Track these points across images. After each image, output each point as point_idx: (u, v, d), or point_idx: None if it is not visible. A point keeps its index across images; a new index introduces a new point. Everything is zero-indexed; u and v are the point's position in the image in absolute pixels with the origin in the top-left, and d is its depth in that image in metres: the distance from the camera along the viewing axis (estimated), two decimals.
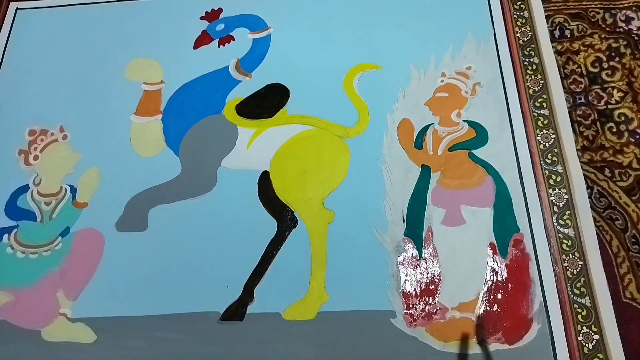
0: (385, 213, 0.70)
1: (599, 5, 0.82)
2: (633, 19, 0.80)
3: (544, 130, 0.73)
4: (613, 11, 0.81)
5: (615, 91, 0.76)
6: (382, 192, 0.72)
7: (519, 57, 0.78)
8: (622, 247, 0.67)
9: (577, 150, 0.72)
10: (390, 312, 0.65)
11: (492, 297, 0.65)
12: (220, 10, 0.88)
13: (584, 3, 0.82)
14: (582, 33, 0.80)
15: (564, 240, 0.67)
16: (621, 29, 0.80)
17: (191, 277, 0.70)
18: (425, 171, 0.72)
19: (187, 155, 0.77)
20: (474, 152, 0.73)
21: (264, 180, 0.74)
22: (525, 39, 0.80)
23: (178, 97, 0.82)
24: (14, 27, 0.91)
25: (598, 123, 0.74)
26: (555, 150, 0.72)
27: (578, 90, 0.77)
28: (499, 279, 0.66)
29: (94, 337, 0.67)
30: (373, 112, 0.77)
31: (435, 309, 0.65)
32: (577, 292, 0.64)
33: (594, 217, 0.68)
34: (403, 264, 0.67)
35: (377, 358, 0.63)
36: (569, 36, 0.80)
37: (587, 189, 0.69)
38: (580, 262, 0.65)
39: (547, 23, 0.81)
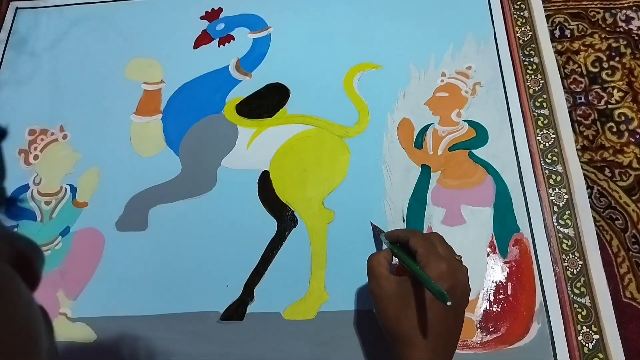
0: (385, 213, 0.70)
1: (599, 5, 0.82)
2: (633, 18, 0.80)
3: (544, 130, 0.73)
4: (613, 11, 0.81)
5: (615, 91, 0.76)
6: (382, 192, 0.71)
7: (519, 57, 0.78)
8: (622, 247, 0.67)
9: (577, 150, 0.72)
10: None
11: (492, 297, 0.65)
12: (220, 9, 0.88)
13: (584, 3, 0.82)
14: (582, 33, 0.80)
15: (564, 240, 0.67)
16: (621, 29, 0.80)
17: (191, 277, 0.70)
18: (425, 171, 0.72)
19: (187, 154, 0.77)
20: (474, 151, 0.73)
21: (264, 180, 0.74)
22: (525, 39, 0.79)
23: (178, 97, 0.82)
24: (14, 27, 0.91)
25: (598, 123, 0.74)
26: (555, 150, 0.72)
27: (578, 90, 0.77)
28: (499, 278, 0.65)
29: (94, 337, 0.67)
30: (373, 112, 0.77)
31: None
32: (577, 292, 0.64)
33: (594, 217, 0.68)
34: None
35: (376, 358, 0.63)
36: (569, 36, 0.80)
37: (587, 188, 0.69)
38: (580, 262, 0.65)
39: (547, 23, 0.80)
